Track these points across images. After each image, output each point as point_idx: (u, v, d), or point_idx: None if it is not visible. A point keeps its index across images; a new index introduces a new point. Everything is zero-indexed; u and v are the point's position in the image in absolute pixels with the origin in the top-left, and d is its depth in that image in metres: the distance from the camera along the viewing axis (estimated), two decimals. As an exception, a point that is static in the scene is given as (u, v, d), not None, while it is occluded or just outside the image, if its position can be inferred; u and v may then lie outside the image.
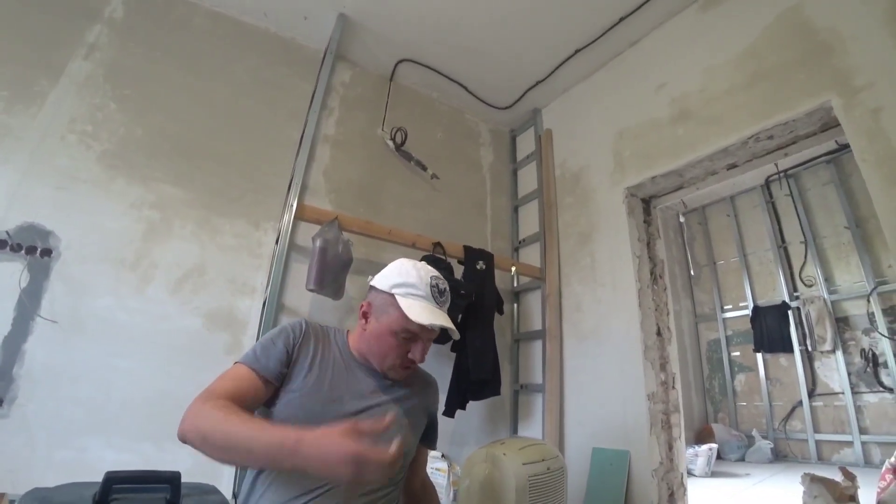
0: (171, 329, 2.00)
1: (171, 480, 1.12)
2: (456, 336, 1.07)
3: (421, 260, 2.31)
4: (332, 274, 2.04)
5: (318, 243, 2.05)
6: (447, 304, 1.09)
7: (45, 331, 1.78)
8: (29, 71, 2.00)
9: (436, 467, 2.20)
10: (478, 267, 2.48)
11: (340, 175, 2.61)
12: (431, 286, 1.08)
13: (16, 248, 1.81)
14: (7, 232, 1.81)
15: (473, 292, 2.32)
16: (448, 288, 1.10)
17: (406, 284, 1.07)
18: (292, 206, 2.14)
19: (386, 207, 2.70)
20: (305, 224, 2.18)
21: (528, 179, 3.22)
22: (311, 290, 2.04)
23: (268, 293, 2.08)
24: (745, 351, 5.15)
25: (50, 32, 2.09)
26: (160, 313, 1.98)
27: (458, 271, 2.45)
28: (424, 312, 1.04)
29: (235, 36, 2.56)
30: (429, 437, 1.29)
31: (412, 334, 1.06)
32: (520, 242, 3.13)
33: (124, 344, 1.89)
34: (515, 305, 2.97)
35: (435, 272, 1.13)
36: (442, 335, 2.21)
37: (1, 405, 1.66)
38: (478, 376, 2.28)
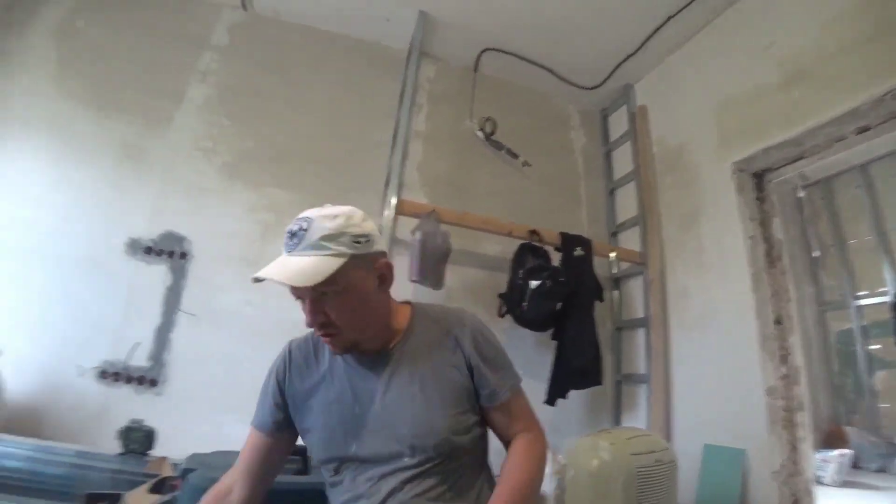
0: (290, 321, 2.17)
1: (302, 453, 1.29)
2: (290, 282, 0.85)
3: (518, 248, 2.33)
4: (432, 265, 2.12)
5: (417, 236, 2.13)
6: (302, 245, 0.88)
7: (186, 323, 2.10)
8: (155, 99, 2.37)
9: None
10: (575, 253, 2.42)
11: (432, 169, 2.70)
12: (287, 234, 0.91)
13: (159, 254, 2.18)
14: (153, 240, 2.18)
15: (573, 280, 2.27)
16: (307, 227, 0.89)
17: None
18: (391, 202, 2.23)
19: (477, 197, 2.72)
20: (403, 218, 2.27)
21: (623, 160, 3.05)
22: (413, 282, 2.12)
23: (372, 286, 2.20)
24: (886, 343, 4.47)
25: (168, 63, 2.45)
26: (279, 307, 2.17)
27: (556, 259, 2.41)
28: (267, 266, 0.89)
29: (324, 45, 2.75)
30: (482, 393, 0.97)
31: (295, 296, 0.92)
32: (617, 227, 2.99)
33: (250, 334, 2.14)
34: (616, 292, 2.84)
35: (304, 214, 0.93)
36: (540, 322, 2.23)
37: (156, 385, 1.98)
38: (577, 364, 2.24)
